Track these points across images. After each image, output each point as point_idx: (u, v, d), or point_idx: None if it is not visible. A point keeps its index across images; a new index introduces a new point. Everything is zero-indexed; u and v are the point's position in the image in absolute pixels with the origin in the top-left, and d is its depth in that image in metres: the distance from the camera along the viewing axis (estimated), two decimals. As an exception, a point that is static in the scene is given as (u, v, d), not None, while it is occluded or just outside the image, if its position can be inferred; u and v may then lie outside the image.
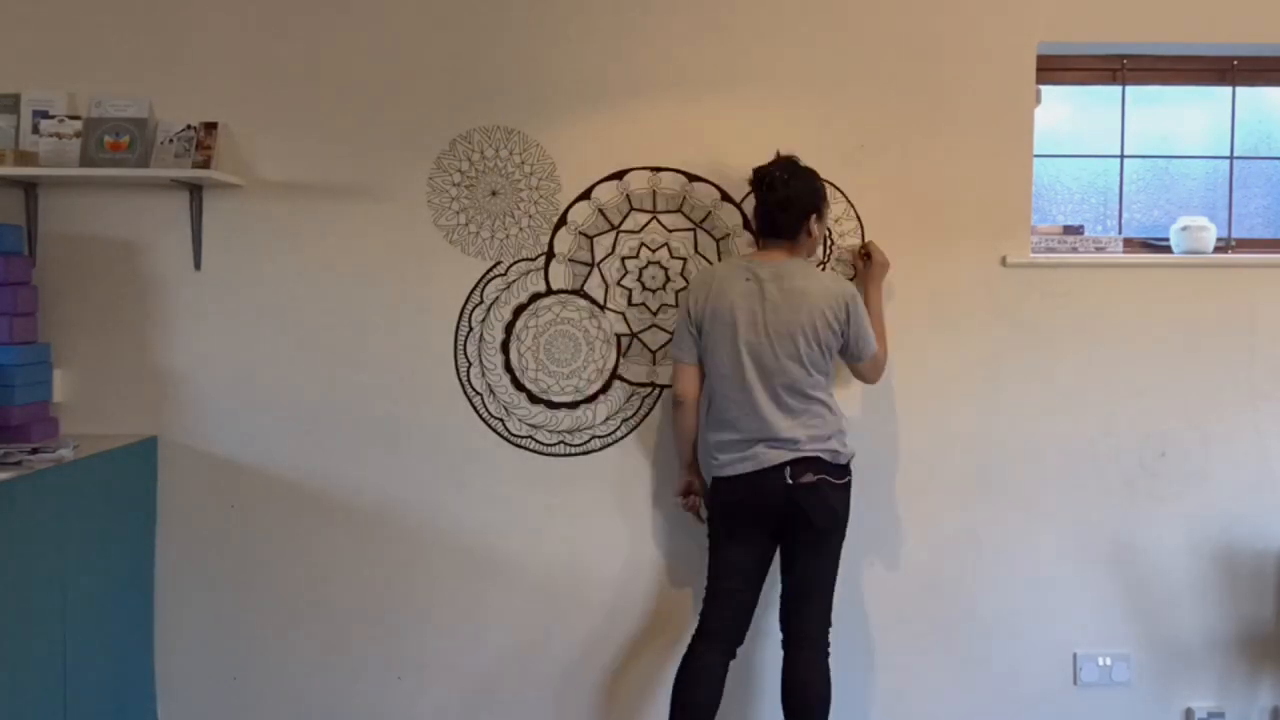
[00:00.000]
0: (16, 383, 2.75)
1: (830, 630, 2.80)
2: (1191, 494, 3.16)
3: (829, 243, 3.09)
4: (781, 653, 2.82)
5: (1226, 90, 3.28)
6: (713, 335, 2.75)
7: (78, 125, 2.91)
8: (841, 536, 2.80)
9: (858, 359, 2.83)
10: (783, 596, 2.83)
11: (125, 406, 3.03)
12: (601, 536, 3.12)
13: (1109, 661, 3.17)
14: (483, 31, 3.03)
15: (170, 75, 3.00)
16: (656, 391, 3.10)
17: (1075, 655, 3.17)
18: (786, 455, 2.69)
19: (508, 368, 3.10)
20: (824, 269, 3.08)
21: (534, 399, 3.10)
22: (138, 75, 3.00)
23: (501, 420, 3.10)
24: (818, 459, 2.70)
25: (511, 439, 3.10)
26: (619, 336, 3.10)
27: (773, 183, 2.76)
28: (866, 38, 3.07)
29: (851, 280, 3.01)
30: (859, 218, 3.09)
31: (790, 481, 2.67)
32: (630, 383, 3.11)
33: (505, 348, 3.09)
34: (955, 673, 3.16)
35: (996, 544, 3.15)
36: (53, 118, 2.93)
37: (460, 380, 3.09)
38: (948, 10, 3.07)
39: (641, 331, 3.10)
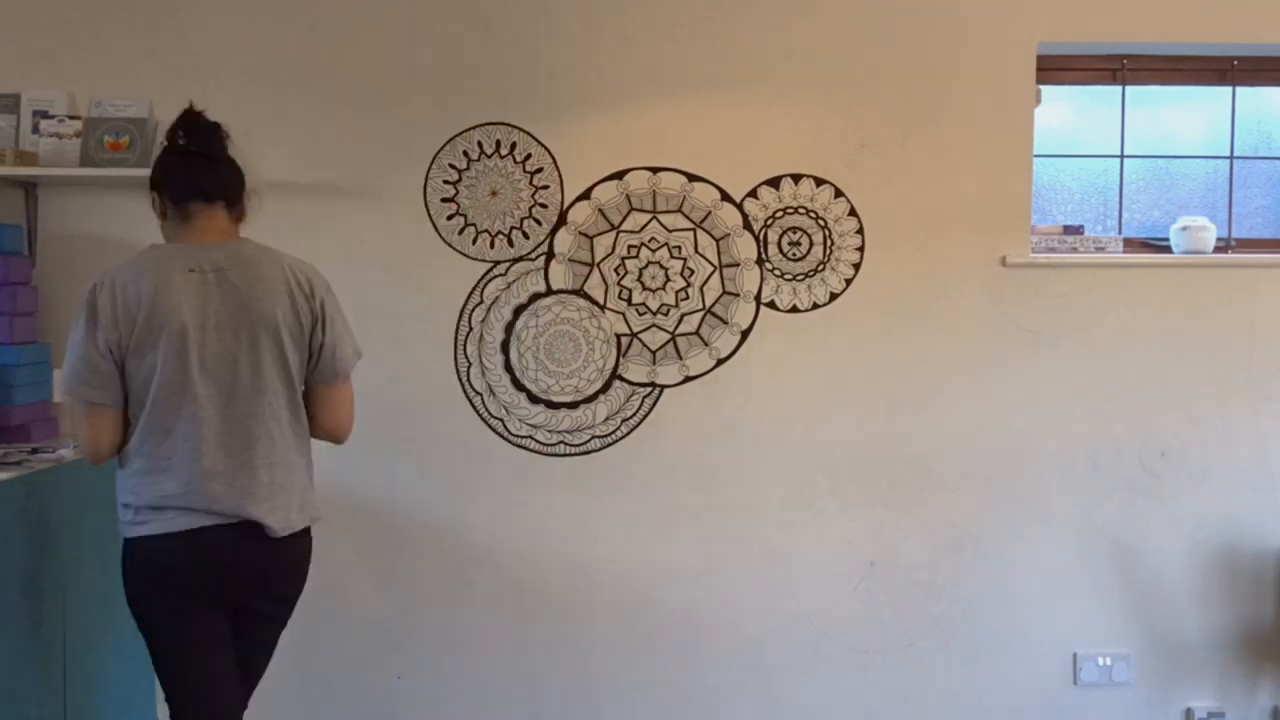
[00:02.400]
0: (16, 383, 2.74)
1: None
2: (1191, 494, 3.16)
3: (830, 245, 3.09)
4: None
5: (1226, 90, 3.28)
6: (147, 355, 2.02)
7: (78, 125, 2.91)
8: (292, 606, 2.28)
9: (331, 378, 2.15)
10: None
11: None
12: (601, 536, 3.12)
13: (1109, 661, 3.17)
14: (482, 31, 3.03)
15: (170, 75, 3.00)
16: (657, 391, 3.10)
17: (1075, 655, 3.17)
18: (247, 522, 2.05)
19: (508, 368, 3.10)
20: (823, 269, 3.09)
21: (534, 399, 3.10)
22: (138, 75, 3.00)
23: (501, 420, 3.10)
24: (288, 523, 2.12)
25: (511, 439, 3.10)
26: (619, 336, 3.10)
27: (200, 126, 2.10)
28: (866, 38, 3.07)
29: None
30: (859, 218, 3.09)
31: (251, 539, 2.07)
32: (630, 383, 3.11)
33: (505, 348, 3.09)
34: (955, 673, 3.16)
35: (996, 544, 3.15)
36: (53, 118, 2.92)
37: (460, 380, 3.09)
38: (948, 10, 3.07)
39: (641, 331, 3.10)
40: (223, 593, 2.11)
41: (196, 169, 2.09)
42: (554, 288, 3.09)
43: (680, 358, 3.11)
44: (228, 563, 2.08)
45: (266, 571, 2.14)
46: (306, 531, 2.19)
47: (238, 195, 2.14)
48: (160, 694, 2.10)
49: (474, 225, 3.07)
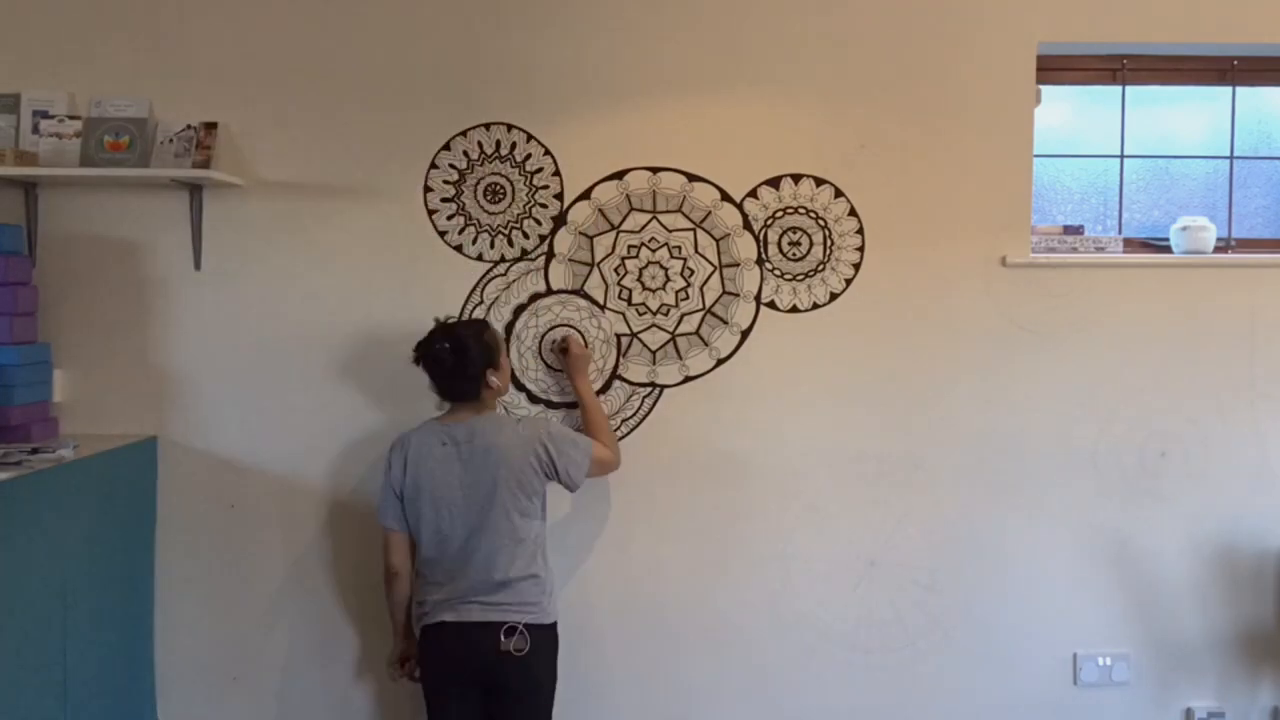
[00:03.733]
0: (16, 383, 2.74)
1: None
2: (1191, 494, 3.16)
3: (830, 244, 3.09)
4: None
5: (1226, 90, 3.28)
6: (418, 504, 2.69)
7: (78, 125, 2.91)
8: (545, 699, 2.73)
9: (572, 483, 2.77)
10: None
11: (125, 406, 3.03)
12: (601, 536, 3.12)
13: (1109, 661, 3.17)
14: (482, 31, 3.03)
15: (170, 75, 3.00)
16: (657, 391, 3.10)
17: (1075, 655, 3.17)
18: (491, 611, 2.63)
19: (508, 368, 3.10)
20: (823, 269, 3.09)
21: (534, 399, 3.10)
22: (138, 75, 2.99)
23: (501, 420, 3.10)
24: (519, 625, 2.63)
25: (511, 439, 3.10)
26: (619, 336, 3.10)
27: (438, 357, 2.68)
28: (867, 38, 3.07)
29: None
30: (859, 218, 3.10)
31: (493, 636, 2.61)
32: (630, 383, 3.11)
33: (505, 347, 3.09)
34: (955, 673, 3.16)
35: (996, 544, 3.15)
36: (53, 118, 2.93)
37: (460, 380, 3.08)
38: (948, 10, 3.07)
39: (641, 331, 3.10)
40: None
41: (439, 381, 2.73)
42: (554, 288, 3.09)
43: (680, 358, 3.11)
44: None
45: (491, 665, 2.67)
46: (533, 630, 2.67)
47: (474, 391, 2.73)
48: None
49: (474, 225, 3.07)
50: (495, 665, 2.61)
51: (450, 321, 2.75)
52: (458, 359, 2.67)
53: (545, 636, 2.69)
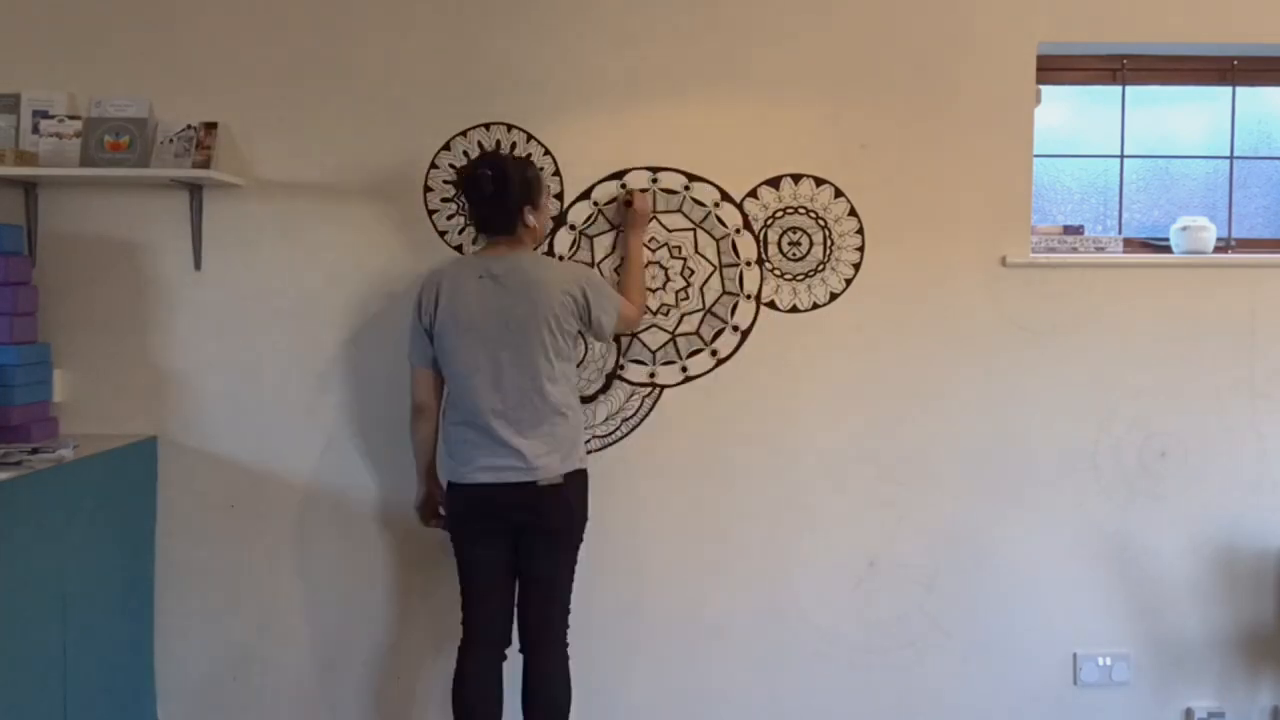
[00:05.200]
0: (16, 383, 2.74)
1: (568, 631, 2.79)
2: (1191, 494, 3.16)
3: (830, 244, 3.09)
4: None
5: (1226, 90, 3.28)
6: (450, 337, 2.67)
7: (78, 125, 2.91)
8: (577, 536, 2.78)
9: (602, 332, 2.78)
10: (519, 598, 2.77)
11: (125, 406, 3.03)
12: (601, 536, 3.11)
13: (1109, 661, 3.17)
14: (482, 31, 3.03)
15: (170, 75, 3.00)
16: (657, 391, 3.11)
17: (1075, 655, 3.17)
18: (522, 469, 2.63)
19: (508, 368, 3.09)
20: (823, 268, 3.09)
21: (534, 399, 3.10)
22: (138, 75, 3.00)
23: (501, 420, 3.09)
24: (552, 469, 2.65)
25: (511, 439, 3.09)
26: (619, 337, 3.10)
27: (478, 182, 2.65)
28: (867, 38, 3.07)
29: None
30: (859, 217, 3.10)
31: (525, 486, 2.63)
32: (630, 383, 3.11)
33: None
34: (955, 673, 3.16)
35: (996, 544, 3.15)
36: (53, 118, 2.93)
37: (460, 380, 3.09)
38: (948, 10, 3.07)
39: (641, 332, 3.10)
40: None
41: (479, 213, 2.72)
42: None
43: (680, 358, 3.11)
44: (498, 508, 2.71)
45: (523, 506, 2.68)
46: (569, 475, 2.70)
47: (514, 224, 2.69)
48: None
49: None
50: (530, 506, 2.64)
51: (494, 152, 2.75)
52: (498, 187, 2.64)
53: (577, 480, 2.71)
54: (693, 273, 3.09)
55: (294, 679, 3.11)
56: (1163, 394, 3.15)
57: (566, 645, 2.79)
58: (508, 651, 2.80)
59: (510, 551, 2.72)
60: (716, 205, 3.08)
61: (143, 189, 3.02)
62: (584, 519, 2.78)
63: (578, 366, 2.83)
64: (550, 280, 2.66)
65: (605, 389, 3.10)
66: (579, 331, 2.75)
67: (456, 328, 2.65)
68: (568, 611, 2.78)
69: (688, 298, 3.10)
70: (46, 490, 2.51)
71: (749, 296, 3.10)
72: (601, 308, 2.74)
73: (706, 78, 3.05)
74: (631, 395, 3.11)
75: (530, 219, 2.71)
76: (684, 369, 3.11)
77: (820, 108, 3.07)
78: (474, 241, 2.75)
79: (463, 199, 2.72)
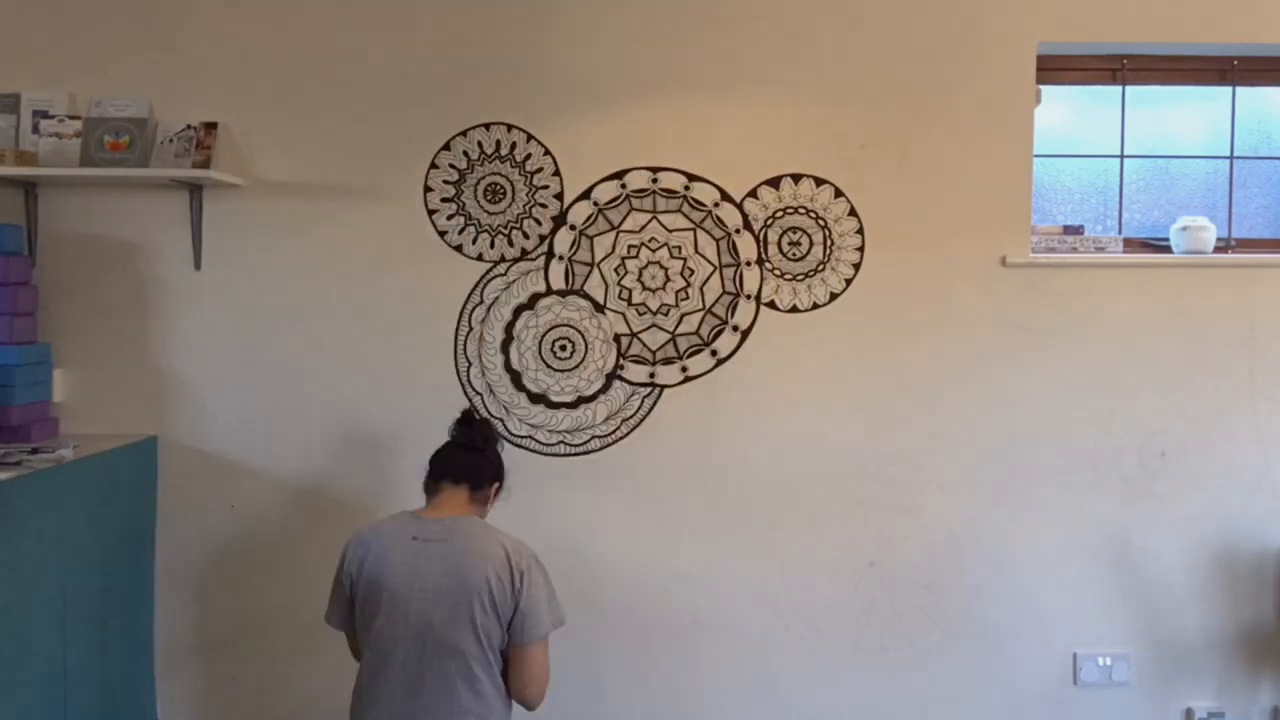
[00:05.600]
0: (16, 383, 2.74)
1: None
2: (1191, 494, 3.16)
3: (830, 244, 3.09)
4: None
5: (1226, 90, 3.28)
6: (370, 604, 2.30)
7: (78, 125, 2.92)
8: None
9: (520, 637, 2.27)
10: None
11: (125, 406, 3.04)
12: (601, 536, 3.12)
13: (1109, 661, 3.17)
14: (482, 31, 3.03)
15: (170, 75, 3.00)
16: (657, 391, 3.11)
17: (1075, 655, 3.17)
18: None
19: (508, 368, 3.10)
20: (823, 268, 3.09)
21: (534, 399, 3.10)
22: (138, 75, 3.00)
23: (501, 420, 3.10)
24: None
25: (511, 439, 3.10)
26: (619, 336, 3.10)
27: (470, 434, 2.44)
28: (866, 37, 3.07)
29: None
30: (859, 218, 3.10)
31: None
32: (630, 383, 3.11)
33: (505, 348, 3.09)
34: (955, 673, 3.16)
35: (996, 544, 3.15)
36: (53, 118, 2.93)
37: (460, 380, 3.09)
38: (948, 10, 3.07)
39: (641, 331, 3.10)
40: None
41: (453, 455, 2.44)
42: (554, 288, 3.09)
43: (680, 358, 3.11)
44: None
45: None
46: None
47: (481, 483, 2.43)
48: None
49: (474, 225, 3.07)
50: None
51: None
52: (486, 446, 2.45)
53: None
54: (693, 273, 3.09)
55: (294, 679, 3.10)
56: (1163, 394, 3.15)
57: None
58: None
59: None
60: (716, 205, 3.08)
61: (143, 189, 3.02)
62: None
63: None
64: (492, 552, 2.28)
65: (605, 389, 3.11)
66: (507, 622, 2.28)
67: (376, 594, 2.28)
68: None
69: (688, 298, 3.10)
70: (46, 490, 2.51)
71: (749, 296, 3.10)
72: (534, 610, 2.28)
73: (706, 78, 3.05)
74: (631, 395, 3.11)
75: (492, 493, 2.46)
76: (684, 369, 3.11)
77: (820, 108, 3.07)
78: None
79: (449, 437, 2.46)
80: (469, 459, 2.43)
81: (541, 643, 2.32)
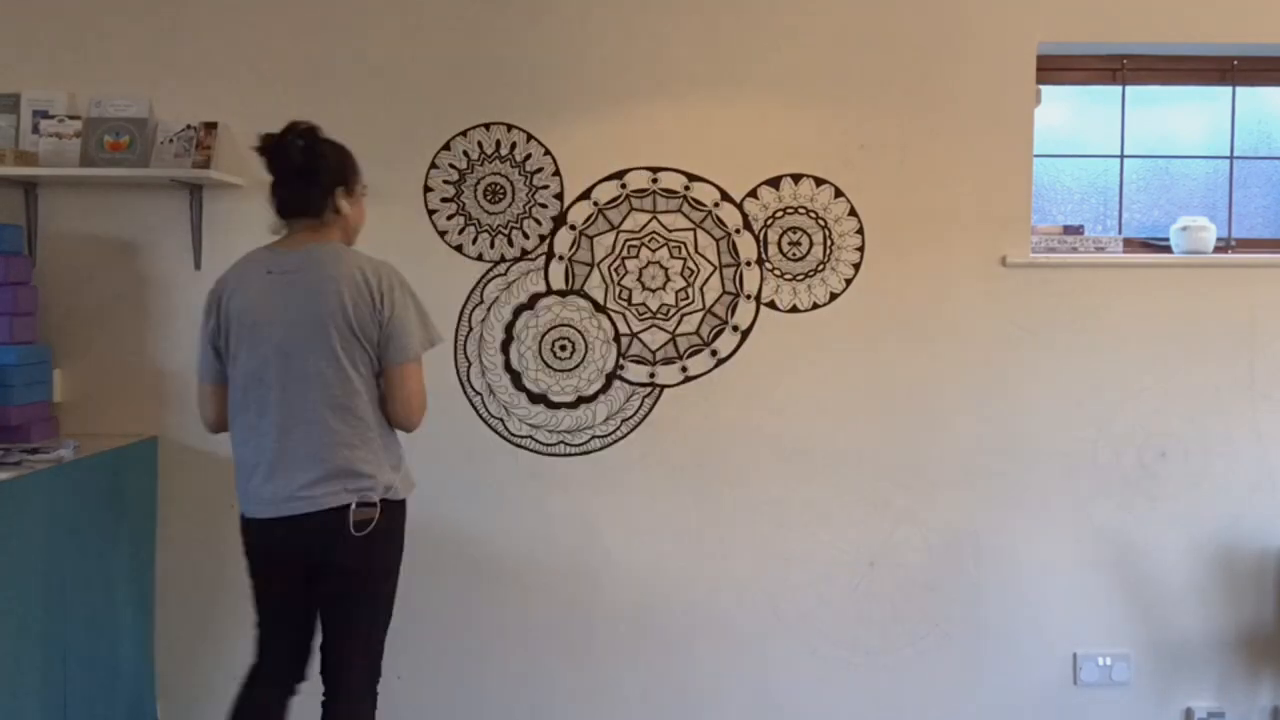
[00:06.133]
0: (16, 383, 2.74)
1: (379, 681, 2.45)
2: (1191, 494, 3.16)
3: (830, 245, 3.09)
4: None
5: (1226, 90, 3.28)
6: (232, 346, 2.32)
7: (78, 125, 2.92)
8: (384, 583, 2.42)
9: (391, 362, 2.30)
10: (322, 645, 2.42)
11: (125, 406, 3.03)
12: (601, 536, 3.12)
13: (1109, 661, 3.17)
14: (482, 31, 3.03)
15: (170, 75, 3.00)
16: (657, 391, 3.11)
17: (1075, 655, 3.17)
18: (311, 499, 2.26)
19: (508, 368, 3.10)
20: (823, 269, 3.09)
21: (534, 399, 3.10)
22: (138, 75, 3.00)
23: (501, 420, 3.10)
24: (349, 503, 2.28)
25: (511, 439, 3.10)
26: (619, 336, 3.10)
27: (287, 149, 2.30)
28: (866, 38, 3.07)
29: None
30: (859, 217, 3.09)
31: (312, 528, 2.26)
32: (630, 383, 3.11)
33: (505, 348, 3.09)
34: (955, 673, 3.16)
35: (996, 544, 3.15)
36: (53, 118, 2.93)
37: (460, 380, 3.09)
38: (948, 10, 3.07)
39: (641, 331, 3.10)
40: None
41: (279, 194, 2.36)
42: (554, 288, 3.09)
43: (680, 358, 3.11)
44: (281, 545, 2.34)
45: (309, 548, 2.32)
46: (351, 508, 2.29)
47: (320, 208, 2.34)
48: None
49: (474, 225, 3.07)
50: (328, 548, 2.29)
51: (309, 123, 2.36)
52: (308, 158, 2.30)
53: (391, 514, 2.34)
54: (693, 273, 3.09)
55: (294, 679, 3.11)
56: (1163, 394, 3.15)
57: (374, 697, 2.44)
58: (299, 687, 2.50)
59: (305, 591, 2.38)
60: (716, 205, 3.08)
61: (142, 189, 3.02)
62: (389, 562, 2.40)
63: None
64: (350, 277, 2.26)
65: (605, 389, 3.11)
66: (376, 342, 2.30)
67: (238, 334, 2.30)
68: (374, 660, 2.43)
69: (688, 298, 3.10)
70: (46, 490, 2.51)
71: (749, 296, 3.10)
72: (403, 326, 2.30)
73: (706, 78, 3.05)
74: (631, 395, 3.11)
75: (343, 204, 2.37)
76: (684, 369, 3.11)
77: (820, 108, 3.07)
78: (273, 230, 2.39)
79: (269, 175, 2.34)
80: (296, 184, 2.32)
81: (413, 364, 2.33)
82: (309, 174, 2.32)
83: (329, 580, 2.34)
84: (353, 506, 2.28)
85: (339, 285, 2.26)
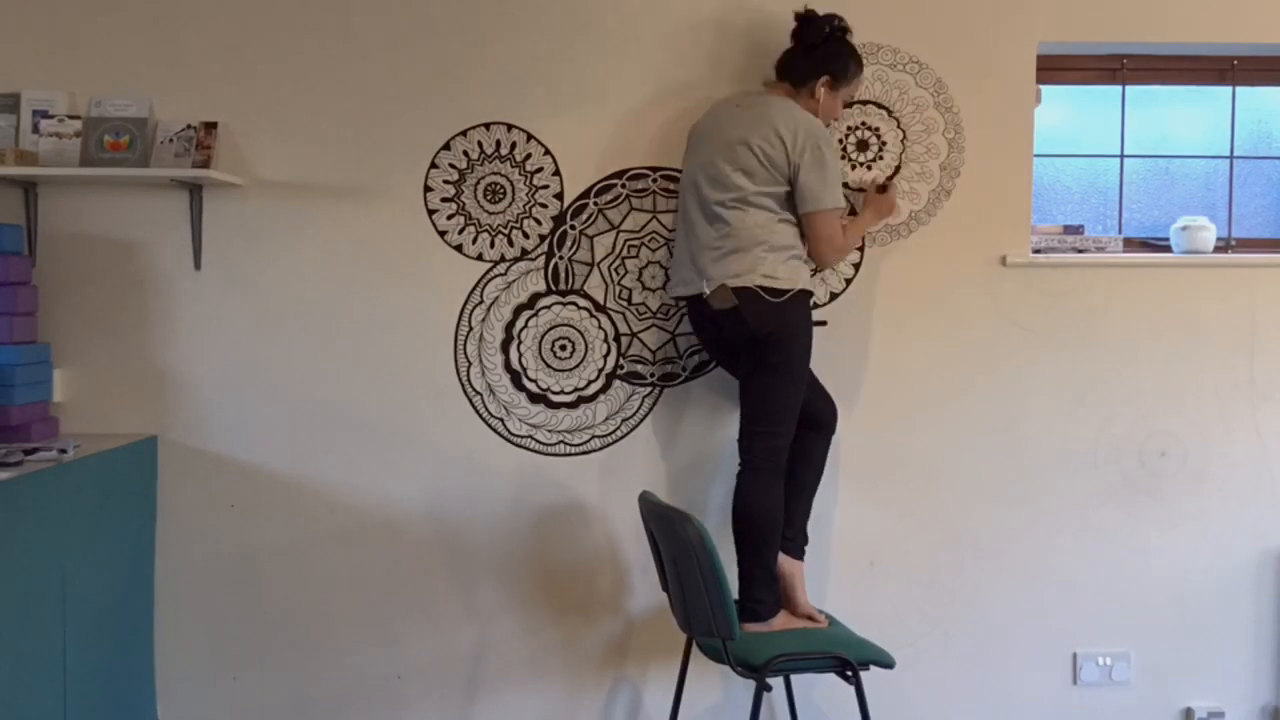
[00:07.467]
0: (16, 383, 2.74)
1: (769, 450, 2.73)
2: (1191, 494, 3.16)
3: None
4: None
5: (1226, 90, 3.28)
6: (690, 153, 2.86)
7: (78, 125, 2.92)
8: (780, 355, 2.72)
9: (804, 205, 2.71)
10: None
11: (125, 406, 3.04)
12: (602, 537, 3.12)
13: (1109, 661, 3.17)
14: (482, 31, 3.03)
15: (170, 75, 3.00)
16: (657, 391, 3.11)
17: (1075, 655, 3.17)
18: (709, 279, 2.70)
19: (508, 367, 3.10)
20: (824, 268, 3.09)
21: (534, 399, 3.10)
22: (138, 75, 3.00)
23: (501, 420, 3.10)
24: (743, 288, 2.67)
25: (511, 439, 3.10)
26: (619, 336, 3.10)
27: (810, 22, 2.77)
28: (866, 38, 3.06)
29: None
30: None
31: (712, 306, 2.71)
32: (630, 382, 3.11)
33: (505, 348, 3.09)
34: (955, 672, 3.16)
35: (996, 544, 3.15)
36: (53, 118, 2.93)
37: (460, 380, 3.09)
38: (948, 10, 3.07)
39: (641, 331, 3.10)
40: None
41: (791, 50, 2.82)
42: (554, 288, 3.09)
43: (680, 357, 3.11)
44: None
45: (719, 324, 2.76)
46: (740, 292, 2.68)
47: (800, 77, 2.79)
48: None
49: (474, 225, 3.07)
50: (715, 321, 2.76)
51: (843, 21, 2.81)
52: (815, 39, 2.76)
53: (770, 295, 2.68)
54: (693, 273, 3.09)
55: (293, 679, 3.10)
56: (1163, 394, 3.15)
57: (756, 461, 2.73)
58: None
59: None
60: (716, 205, 3.08)
61: (143, 189, 3.02)
62: (777, 341, 2.71)
63: None
64: (777, 116, 2.68)
65: (605, 389, 3.11)
66: (784, 178, 2.70)
67: (693, 144, 2.86)
68: (760, 432, 2.73)
69: (688, 298, 3.10)
70: (46, 490, 2.51)
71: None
72: (818, 176, 2.68)
73: (706, 78, 3.05)
74: (631, 395, 3.11)
75: (820, 90, 2.77)
76: (684, 368, 3.11)
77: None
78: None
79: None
80: (789, 55, 2.84)
81: (821, 218, 2.74)
82: (808, 49, 2.77)
83: None
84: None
85: (772, 120, 2.71)
